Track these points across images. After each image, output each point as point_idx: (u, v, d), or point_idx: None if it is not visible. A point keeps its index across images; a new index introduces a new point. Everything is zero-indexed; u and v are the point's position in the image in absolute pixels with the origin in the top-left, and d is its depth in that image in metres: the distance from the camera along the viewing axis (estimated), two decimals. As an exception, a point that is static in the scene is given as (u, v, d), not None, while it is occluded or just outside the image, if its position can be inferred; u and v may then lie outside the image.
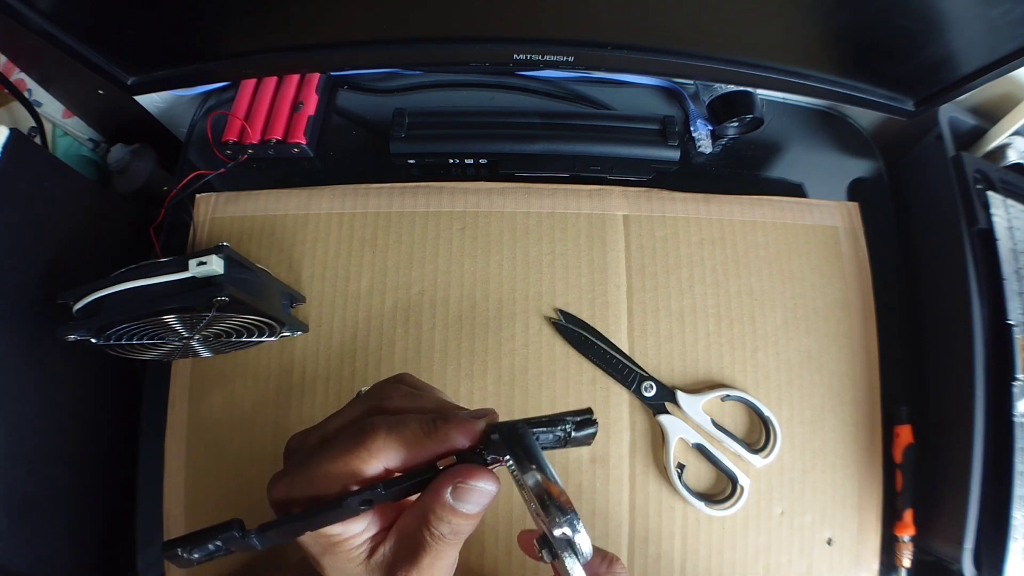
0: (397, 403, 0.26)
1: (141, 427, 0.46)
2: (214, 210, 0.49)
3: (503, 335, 0.45)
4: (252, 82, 0.52)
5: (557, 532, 0.21)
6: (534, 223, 0.48)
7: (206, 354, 0.43)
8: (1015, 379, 0.40)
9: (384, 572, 0.24)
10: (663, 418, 0.43)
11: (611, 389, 0.44)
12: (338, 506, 0.21)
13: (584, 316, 0.45)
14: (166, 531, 0.43)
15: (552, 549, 0.22)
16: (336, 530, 0.23)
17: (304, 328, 0.45)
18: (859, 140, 0.54)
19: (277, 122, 0.50)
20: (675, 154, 0.49)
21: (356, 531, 0.24)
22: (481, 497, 0.23)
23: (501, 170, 0.49)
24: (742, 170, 0.53)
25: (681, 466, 0.43)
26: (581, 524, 0.21)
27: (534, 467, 0.22)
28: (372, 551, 0.24)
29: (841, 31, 0.40)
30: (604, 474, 0.43)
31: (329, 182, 0.49)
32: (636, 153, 0.49)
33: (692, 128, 0.53)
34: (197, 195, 0.49)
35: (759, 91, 0.51)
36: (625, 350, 0.45)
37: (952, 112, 0.48)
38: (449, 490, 0.22)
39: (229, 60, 0.45)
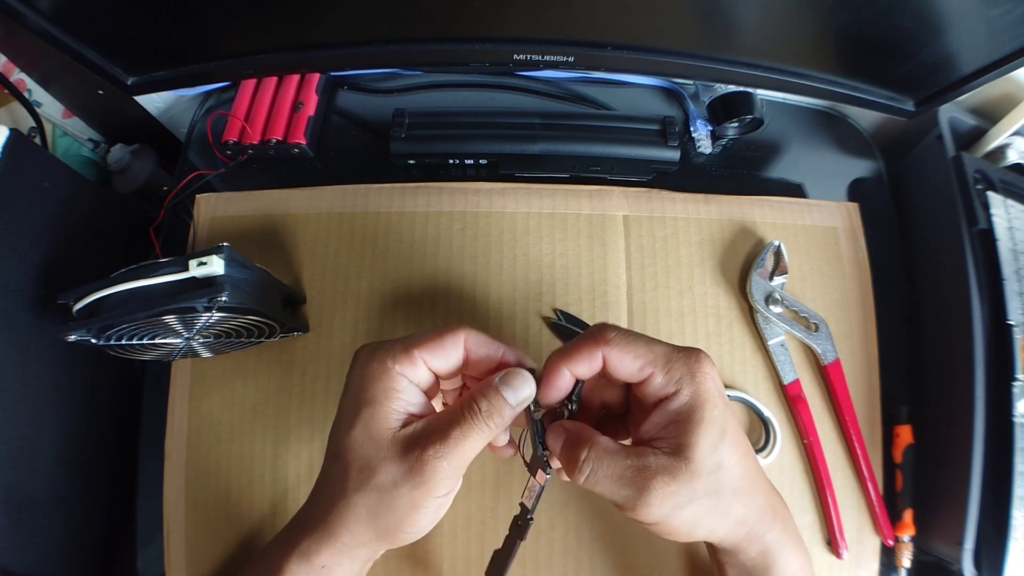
0: None
1: (141, 427, 0.46)
2: (214, 210, 0.49)
3: (503, 335, 0.45)
4: (252, 82, 0.52)
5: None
6: (534, 223, 0.48)
7: (206, 354, 0.43)
8: (1015, 379, 0.40)
9: (405, 445, 0.27)
10: (663, 418, 0.43)
11: (611, 389, 0.44)
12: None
13: (584, 316, 0.45)
14: (166, 531, 0.43)
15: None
16: (401, 380, 0.28)
17: (304, 328, 0.45)
18: (859, 140, 0.54)
19: (277, 122, 0.50)
20: (675, 154, 0.49)
21: (406, 386, 0.29)
22: (522, 385, 0.28)
23: (501, 170, 0.49)
24: (742, 170, 0.53)
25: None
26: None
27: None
28: (405, 423, 0.28)
29: (841, 31, 0.40)
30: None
31: (329, 182, 0.49)
32: (636, 153, 0.49)
33: (692, 128, 0.53)
34: (197, 195, 0.49)
35: (759, 91, 0.51)
36: (625, 350, 0.45)
37: (952, 112, 0.48)
38: (498, 376, 0.28)
39: (229, 60, 0.45)
